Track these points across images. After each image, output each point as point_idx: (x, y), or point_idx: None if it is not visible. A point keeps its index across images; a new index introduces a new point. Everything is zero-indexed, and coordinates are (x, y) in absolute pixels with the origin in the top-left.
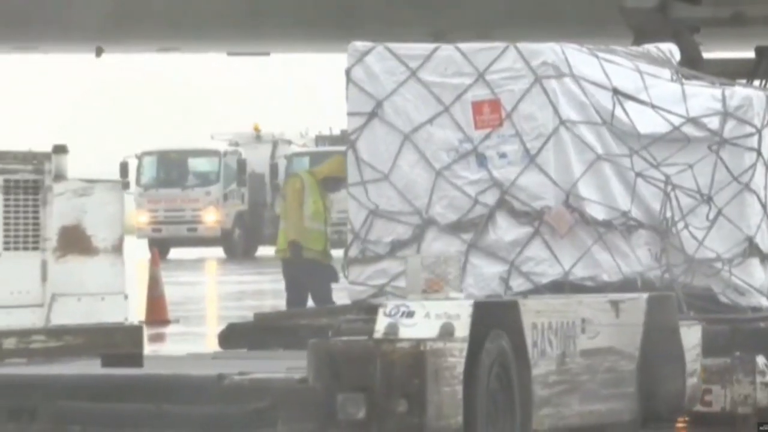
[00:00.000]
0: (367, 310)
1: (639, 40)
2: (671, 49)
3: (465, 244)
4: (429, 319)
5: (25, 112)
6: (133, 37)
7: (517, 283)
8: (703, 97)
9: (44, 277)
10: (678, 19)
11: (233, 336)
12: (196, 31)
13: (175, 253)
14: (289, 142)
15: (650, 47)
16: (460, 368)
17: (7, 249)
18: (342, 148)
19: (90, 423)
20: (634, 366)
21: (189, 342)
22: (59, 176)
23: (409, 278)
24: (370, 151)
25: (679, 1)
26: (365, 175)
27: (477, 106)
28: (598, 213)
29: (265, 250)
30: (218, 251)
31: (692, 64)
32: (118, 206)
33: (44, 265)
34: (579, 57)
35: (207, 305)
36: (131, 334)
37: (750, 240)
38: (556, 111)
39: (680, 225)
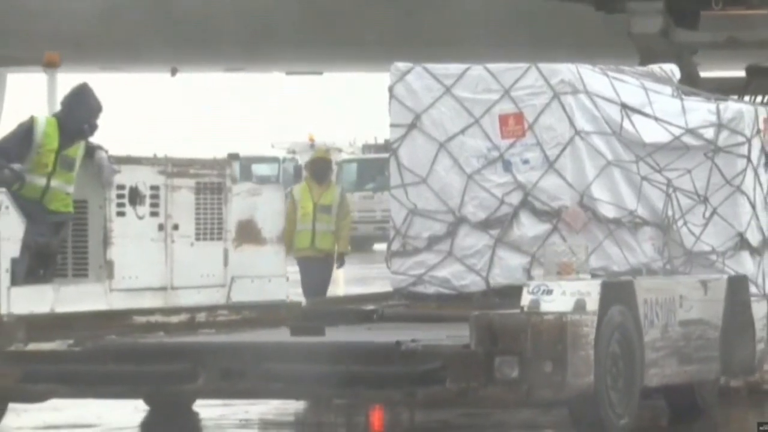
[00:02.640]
0: (407, 296)
1: (644, 60)
2: (672, 69)
3: (493, 239)
4: (565, 296)
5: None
6: (204, 58)
7: (538, 273)
8: (701, 110)
9: (226, 263)
10: (679, 43)
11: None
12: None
13: None
14: (340, 150)
15: (654, 67)
16: (592, 336)
17: (197, 239)
18: (384, 155)
19: (290, 381)
20: (718, 334)
21: None
22: (235, 179)
23: (546, 263)
24: (410, 157)
25: (680, 27)
26: (406, 178)
27: (503, 119)
28: (608, 212)
29: None
30: None
31: (691, 82)
32: (280, 205)
33: (226, 253)
34: (592, 76)
35: None
36: (292, 309)
37: (741, 235)
38: (572, 123)
39: (680, 222)
